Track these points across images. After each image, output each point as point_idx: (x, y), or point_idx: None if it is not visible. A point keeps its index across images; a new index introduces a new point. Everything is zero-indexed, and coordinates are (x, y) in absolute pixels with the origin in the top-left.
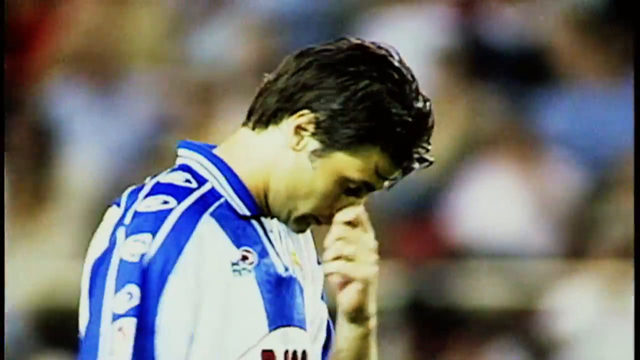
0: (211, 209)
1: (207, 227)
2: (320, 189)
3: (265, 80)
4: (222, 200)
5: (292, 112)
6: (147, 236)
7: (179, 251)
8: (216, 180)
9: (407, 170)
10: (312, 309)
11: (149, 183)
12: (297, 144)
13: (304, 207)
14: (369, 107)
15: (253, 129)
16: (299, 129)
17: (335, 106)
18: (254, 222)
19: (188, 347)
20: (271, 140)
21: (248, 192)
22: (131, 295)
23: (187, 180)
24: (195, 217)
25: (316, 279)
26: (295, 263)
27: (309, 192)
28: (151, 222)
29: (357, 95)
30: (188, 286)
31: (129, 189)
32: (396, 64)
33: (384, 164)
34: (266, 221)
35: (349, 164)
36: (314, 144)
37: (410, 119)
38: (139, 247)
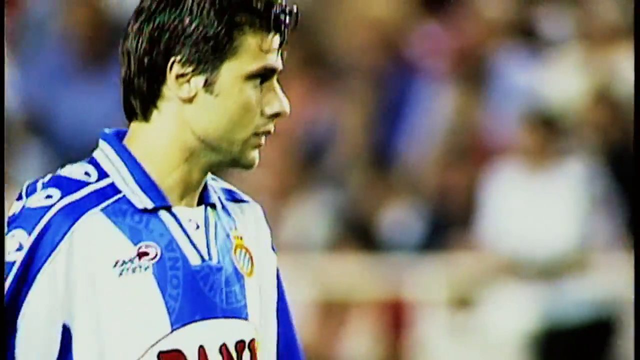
0: (104, 205)
1: (91, 224)
2: (238, 106)
3: (120, 79)
4: (120, 195)
5: (163, 74)
6: (23, 234)
7: (51, 249)
8: (118, 175)
9: (282, 28)
10: (263, 295)
11: (47, 176)
12: (189, 92)
13: (241, 133)
14: (211, 9)
15: (145, 119)
16: (180, 78)
17: (187, 32)
18: (162, 214)
19: (49, 347)
20: (167, 113)
21: (152, 183)
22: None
23: (87, 174)
24: (75, 214)
25: (267, 264)
26: (240, 247)
27: (232, 117)
28: (29, 219)
29: (194, 9)
30: (54, 286)
31: (28, 182)
32: None
33: (262, 38)
34: (182, 210)
35: (239, 65)
36: (201, 79)
37: None
38: (14, 245)
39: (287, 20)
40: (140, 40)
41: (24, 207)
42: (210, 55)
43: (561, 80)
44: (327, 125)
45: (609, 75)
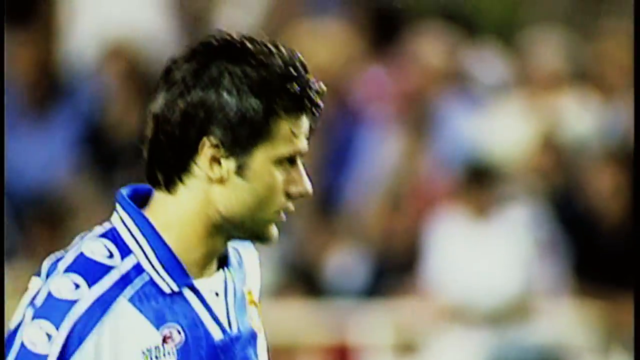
0: (130, 293)
1: (119, 314)
2: (266, 189)
3: (145, 139)
4: (145, 278)
5: (194, 152)
6: (50, 327)
7: (79, 343)
8: (142, 252)
9: (315, 112)
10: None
11: (72, 252)
12: (220, 173)
13: (265, 213)
14: (247, 93)
15: (169, 191)
16: (213, 161)
17: (223, 115)
18: (185, 291)
19: None
20: (193, 189)
21: (176, 261)
22: None
23: (110, 254)
24: (104, 307)
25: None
26: (251, 302)
27: (260, 199)
28: (57, 311)
29: (232, 92)
30: None
31: (51, 258)
32: (233, 41)
33: (295, 123)
34: (203, 283)
35: (271, 150)
36: (232, 162)
37: (284, 70)
38: (41, 337)
39: (319, 102)
40: (173, 113)
41: (49, 293)
42: (245, 139)
43: (504, 126)
44: None
45: (552, 120)
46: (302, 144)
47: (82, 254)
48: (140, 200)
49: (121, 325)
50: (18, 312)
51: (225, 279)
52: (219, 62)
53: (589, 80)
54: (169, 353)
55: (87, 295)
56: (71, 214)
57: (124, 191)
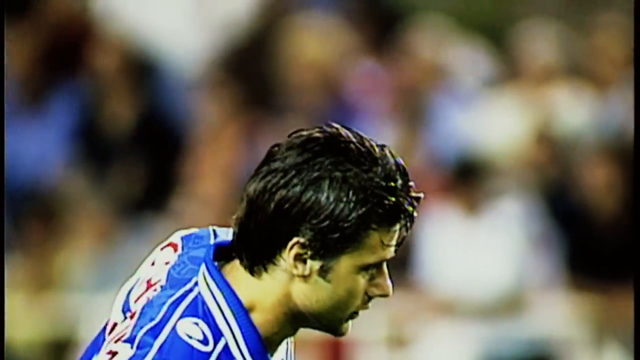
0: None
1: None
2: (346, 293)
3: (236, 217)
4: None
5: (282, 246)
6: None
7: None
8: (232, 336)
9: (408, 221)
10: None
11: (167, 326)
12: (303, 271)
13: (343, 313)
14: (344, 202)
15: (252, 274)
16: (297, 258)
17: (317, 219)
18: None
19: None
20: (276, 279)
21: (262, 345)
22: None
23: (204, 339)
24: None
25: None
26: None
27: (339, 301)
28: None
29: (328, 197)
30: None
31: (146, 326)
32: (340, 139)
33: (386, 234)
34: (274, 357)
35: (358, 258)
36: (317, 263)
37: (382, 182)
38: None
39: (414, 213)
40: (268, 203)
41: None
42: (334, 245)
43: (498, 120)
44: None
45: (546, 114)
46: (390, 252)
47: (177, 334)
48: (220, 252)
49: None
50: None
51: (287, 342)
52: (322, 161)
53: (582, 74)
54: None
55: None
56: (65, 208)
57: (211, 253)
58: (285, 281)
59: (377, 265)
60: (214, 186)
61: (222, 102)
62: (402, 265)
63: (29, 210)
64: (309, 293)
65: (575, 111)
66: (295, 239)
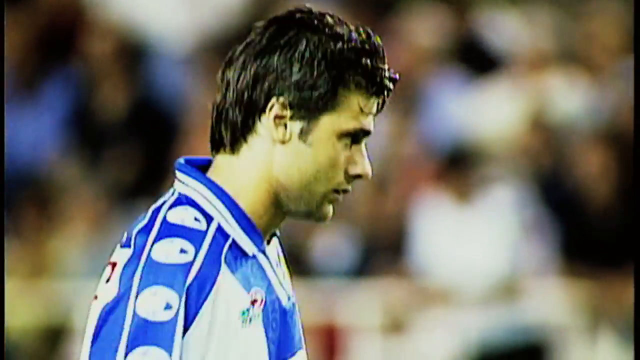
0: (223, 254)
1: (222, 277)
2: (327, 160)
3: (213, 105)
4: (230, 240)
5: (261, 111)
6: (167, 292)
7: (197, 309)
8: (222, 217)
9: (385, 93)
10: None
11: (157, 220)
12: (284, 135)
13: (323, 186)
14: (322, 60)
15: (232, 152)
16: (277, 119)
17: (295, 77)
18: (260, 257)
19: None
20: (257, 150)
21: (254, 225)
22: None
23: (196, 219)
24: (215, 270)
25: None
26: (288, 272)
27: (319, 169)
28: (170, 276)
29: (306, 56)
30: (199, 345)
31: (136, 228)
32: (314, 13)
33: (364, 100)
34: (268, 250)
35: (337, 120)
36: (298, 125)
37: (361, 46)
38: (159, 304)
39: (391, 87)
40: (243, 73)
41: (153, 261)
42: (313, 104)
43: (492, 107)
44: None
45: (540, 101)
46: (369, 123)
47: (168, 221)
48: (197, 168)
49: (224, 286)
50: (109, 285)
51: (277, 249)
52: (298, 29)
53: (576, 61)
54: (257, 315)
55: (197, 258)
56: (59, 194)
57: (181, 160)
58: (266, 150)
59: (355, 139)
60: None
61: (215, 87)
62: (395, 252)
63: (22, 196)
64: (291, 160)
65: (569, 98)
66: (274, 99)
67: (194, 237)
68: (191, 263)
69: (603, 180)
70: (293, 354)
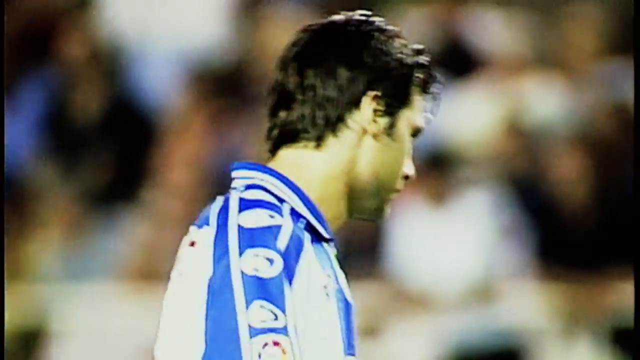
0: (303, 227)
1: (307, 245)
2: (403, 156)
3: (276, 107)
4: (304, 220)
5: (357, 105)
6: (267, 251)
7: (293, 270)
8: (292, 202)
9: (435, 98)
10: None
11: (233, 200)
12: (377, 129)
13: (395, 183)
14: (400, 56)
15: (318, 146)
16: (373, 113)
17: (383, 73)
18: (326, 246)
19: None
20: (346, 144)
21: (322, 215)
22: (276, 314)
23: (271, 200)
24: (302, 236)
25: None
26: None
27: (398, 164)
28: (267, 237)
29: (384, 48)
30: (297, 303)
31: (212, 210)
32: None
33: (423, 100)
34: (330, 247)
35: (413, 117)
36: (385, 119)
37: (418, 47)
38: (262, 263)
39: (440, 93)
40: (333, 73)
41: (243, 228)
42: (397, 99)
43: (468, 110)
44: (238, 154)
45: (516, 105)
46: (424, 123)
47: (245, 199)
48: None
49: (309, 255)
50: (199, 263)
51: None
52: (369, 28)
53: (553, 65)
54: (331, 294)
55: (286, 223)
56: (34, 198)
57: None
58: (354, 144)
59: (415, 137)
60: (183, 176)
61: (191, 92)
62: (372, 255)
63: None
64: (377, 154)
65: (546, 101)
66: (371, 93)
67: (275, 208)
68: (281, 226)
69: (579, 184)
70: (353, 355)
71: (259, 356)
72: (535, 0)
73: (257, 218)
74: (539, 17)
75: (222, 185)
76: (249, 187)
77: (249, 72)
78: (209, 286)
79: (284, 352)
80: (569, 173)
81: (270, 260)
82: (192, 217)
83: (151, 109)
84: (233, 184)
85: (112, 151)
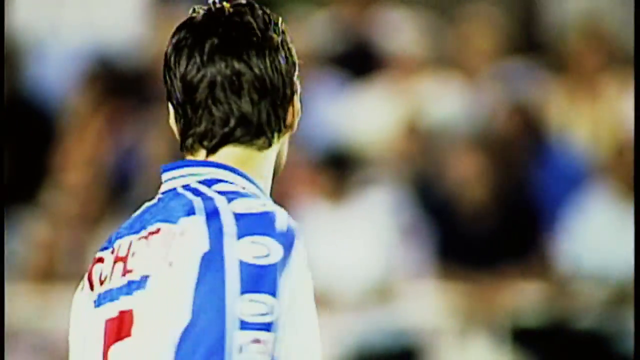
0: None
1: (299, 233)
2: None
3: (209, 108)
4: None
5: (291, 104)
6: (265, 239)
7: (290, 252)
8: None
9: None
10: None
11: (210, 192)
12: (294, 121)
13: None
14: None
15: (269, 146)
16: (294, 107)
17: (296, 69)
18: None
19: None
20: (279, 143)
21: None
22: (268, 307)
23: (242, 191)
24: (294, 222)
25: None
26: None
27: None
28: (266, 223)
29: (287, 49)
30: (288, 290)
31: (193, 202)
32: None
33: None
34: None
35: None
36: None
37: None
38: (259, 250)
39: None
40: (277, 72)
41: (237, 214)
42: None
43: (367, 110)
44: (135, 154)
45: (415, 105)
46: None
47: (222, 191)
48: None
49: (301, 239)
50: (193, 243)
51: None
52: (276, 20)
53: (451, 65)
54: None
55: (276, 208)
56: None
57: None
58: (282, 141)
59: None
60: (80, 177)
61: (89, 91)
62: None
63: None
64: (286, 142)
65: (444, 102)
66: (294, 95)
67: (258, 198)
68: (275, 213)
69: (477, 183)
70: None
71: (240, 350)
72: (433, 0)
73: (250, 205)
74: (438, 17)
75: (120, 186)
76: (208, 182)
77: (150, 72)
78: (202, 259)
79: (265, 350)
80: (467, 173)
81: (268, 251)
82: (90, 216)
83: (50, 107)
84: (178, 182)
85: (11, 150)
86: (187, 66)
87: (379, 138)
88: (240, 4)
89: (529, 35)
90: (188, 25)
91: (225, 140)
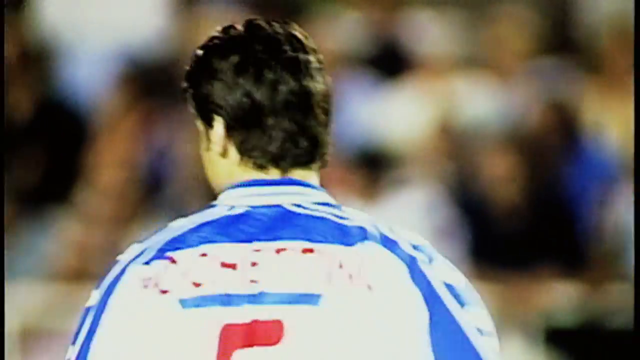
0: None
1: None
2: None
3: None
4: None
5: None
6: (447, 261)
7: None
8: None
9: None
10: None
11: (384, 228)
12: None
13: None
14: None
15: (317, 170)
16: None
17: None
18: None
19: None
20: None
21: None
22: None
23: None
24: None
25: None
26: None
27: None
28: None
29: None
30: None
31: (365, 228)
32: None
33: None
34: None
35: None
36: None
37: None
38: (455, 270)
39: None
40: (326, 92)
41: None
42: None
43: (400, 110)
44: (166, 155)
45: (448, 105)
46: None
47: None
48: None
49: None
50: (397, 288)
51: None
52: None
53: (484, 65)
54: None
55: None
56: None
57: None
58: None
59: None
60: (113, 177)
61: (122, 91)
62: None
63: None
64: None
65: (477, 101)
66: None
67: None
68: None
69: (511, 183)
70: None
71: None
72: (466, 0)
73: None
74: (470, 17)
75: (152, 186)
76: (322, 204)
77: (182, 72)
78: (431, 332)
79: None
80: (500, 172)
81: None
82: (122, 217)
83: (82, 108)
84: (280, 199)
85: (43, 151)
86: (255, 83)
87: (412, 138)
88: (284, 21)
89: (561, 35)
90: (240, 41)
91: (300, 162)
